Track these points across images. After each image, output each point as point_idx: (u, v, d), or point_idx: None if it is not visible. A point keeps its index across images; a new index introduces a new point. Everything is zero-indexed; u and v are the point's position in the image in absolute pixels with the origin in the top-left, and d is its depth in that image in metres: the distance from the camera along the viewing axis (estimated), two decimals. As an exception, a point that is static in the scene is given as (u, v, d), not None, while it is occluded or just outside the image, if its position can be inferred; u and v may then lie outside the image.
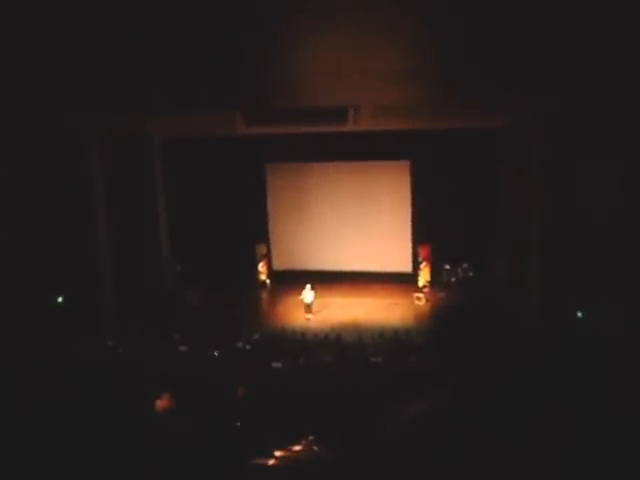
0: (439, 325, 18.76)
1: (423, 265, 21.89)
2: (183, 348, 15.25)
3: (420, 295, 21.18)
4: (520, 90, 15.08)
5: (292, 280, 21.99)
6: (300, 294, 20.16)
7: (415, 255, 22.33)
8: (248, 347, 15.62)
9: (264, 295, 23.06)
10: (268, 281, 23.37)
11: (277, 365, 13.55)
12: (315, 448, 8.18)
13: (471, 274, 21.65)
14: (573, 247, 17.07)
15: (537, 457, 7.18)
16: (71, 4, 11.30)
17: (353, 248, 22.92)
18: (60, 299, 18.85)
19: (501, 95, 15.63)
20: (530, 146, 17.59)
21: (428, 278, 21.84)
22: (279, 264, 23.77)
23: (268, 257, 23.49)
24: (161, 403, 10.27)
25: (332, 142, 19.82)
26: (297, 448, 8.17)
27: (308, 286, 20.14)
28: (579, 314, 16.68)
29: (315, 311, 20.22)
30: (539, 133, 17.14)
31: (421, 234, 22.18)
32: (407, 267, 22.68)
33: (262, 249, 23.23)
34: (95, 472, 7.47)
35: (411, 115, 17.24)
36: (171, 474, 7.49)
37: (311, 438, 8.36)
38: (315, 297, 20.19)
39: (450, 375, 11.47)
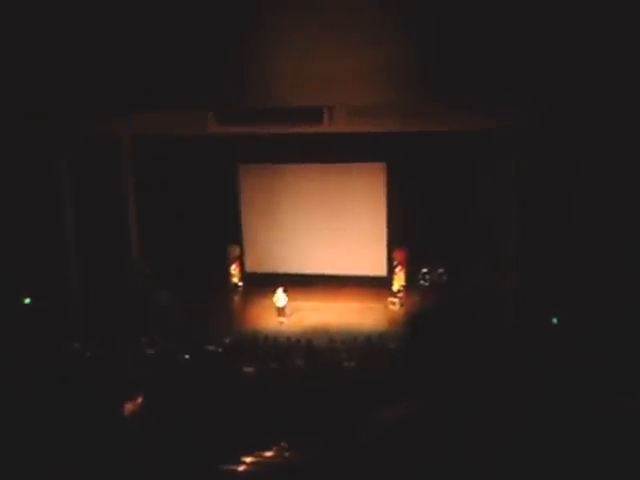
0: (412, 330, 18.57)
1: (398, 269, 21.68)
2: (151, 351, 14.95)
3: (394, 299, 20.99)
4: (502, 94, 15.04)
5: (265, 283, 21.71)
6: (272, 297, 19.88)
7: (390, 259, 22.13)
8: (219, 350, 15.37)
9: (236, 298, 22.73)
10: (240, 283, 23.03)
11: (249, 369, 13.32)
12: (287, 454, 8.04)
13: (446, 278, 21.55)
14: (549, 252, 17.07)
15: (513, 465, 7.03)
16: (38, 5, 11.03)
17: (327, 251, 22.69)
18: (27, 300, 18.46)
19: (479, 99, 15.57)
20: (507, 151, 17.53)
21: (403, 282, 21.63)
22: (251, 266, 23.46)
23: (240, 259, 23.17)
24: (129, 407, 10.03)
25: (306, 143, 19.55)
26: (268, 454, 8.02)
27: (280, 289, 19.89)
28: (554, 320, 16.66)
29: (288, 314, 19.94)
30: (517, 138, 17.07)
31: (396, 237, 21.98)
32: (382, 271, 22.49)
33: (234, 251, 22.91)
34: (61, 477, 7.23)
35: (387, 117, 17.12)
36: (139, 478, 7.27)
37: (283, 444, 8.21)
38: (288, 300, 19.93)
39: (423, 381, 11.35)
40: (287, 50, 13.91)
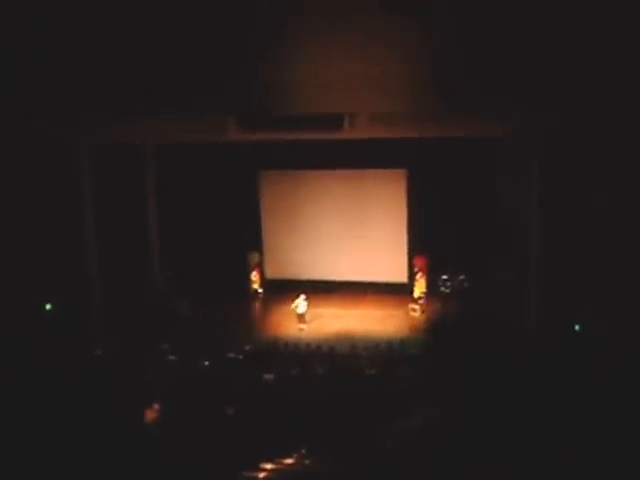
0: (434, 337, 18.49)
1: (419, 276, 21.58)
2: (172, 358, 14.94)
3: (415, 306, 20.89)
4: (518, 102, 14.93)
5: (285, 289, 21.70)
6: (292, 303, 19.86)
7: (411, 265, 22.03)
8: (240, 357, 15.32)
9: (256, 305, 22.71)
10: (260, 290, 23.02)
11: (269, 377, 13.26)
12: (307, 461, 8.02)
13: (467, 285, 21.40)
14: (572, 259, 16.89)
15: (534, 473, 6.96)
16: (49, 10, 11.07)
17: (347, 257, 22.64)
18: (48, 306, 18.54)
19: (499, 106, 15.46)
20: (528, 157, 17.37)
21: (424, 289, 21.54)
22: (272, 273, 23.45)
23: (261, 266, 23.17)
24: (150, 414, 10.06)
25: (327, 150, 19.57)
26: (289, 461, 8.01)
27: (302, 296, 19.84)
28: (577, 327, 16.46)
29: (308, 321, 19.88)
30: (537, 144, 16.93)
31: (417, 244, 21.90)
32: (402, 277, 22.39)
33: (255, 257, 22.91)
34: None
35: (408, 123, 17.01)
36: None
37: (303, 451, 8.18)
38: (308, 307, 19.88)
39: (445, 389, 11.27)
40: (307, 56, 13.89)
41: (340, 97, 15.74)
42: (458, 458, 7.28)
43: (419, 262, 21.59)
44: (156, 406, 10.07)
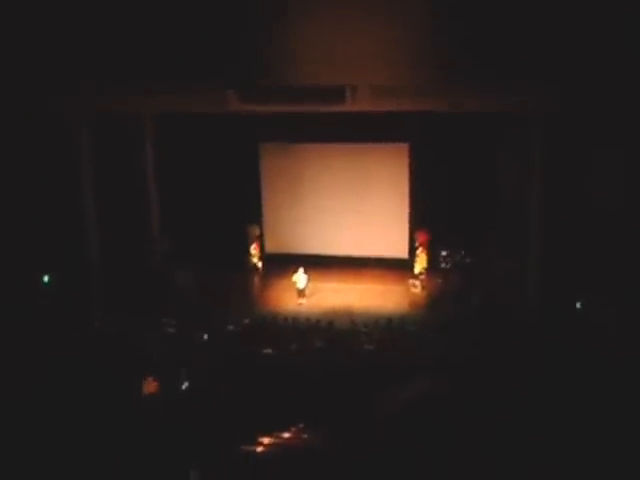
0: (434, 313, 18.46)
1: (420, 251, 21.41)
2: (171, 330, 14.92)
3: (416, 282, 20.76)
4: (522, 76, 14.75)
5: (284, 263, 21.54)
6: (292, 278, 19.77)
7: (412, 241, 21.87)
8: (238, 331, 15.29)
9: (255, 278, 22.57)
10: (260, 264, 22.91)
11: (267, 351, 13.23)
12: (305, 435, 8.03)
13: (468, 261, 21.29)
14: (573, 236, 16.83)
15: (531, 447, 6.94)
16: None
17: (348, 232, 22.47)
18: (46, 278, 18.48)
19: (501, 80, 15.27)
20: (530, 132, 17.21)
21: (425, 264, 21.38)
22: (271, 247, 23.32)
23: (260, 239, 23.04)
24: (148, 387, 10.06)
25: (328, 122, 19.25)
26: (286, 435, 8.02)
27: (301, 270, 19.74)
28: (578, 305, 16.41)
29: (308, 296, 19.81)
30: (539, 119, 16.76)
31: (418, 219, 21.69)
32: (403, 253, 22.23)
33: (254, 231, 22.75)
34: (81, 454, 7.37)
35: (410, 97, 16.82)
36: (157, 459, 7.34)
37: (301, 425, 8.19)
38: (308, 281, 19.79)
39: (443, 364, 11.26)
40: (310, 28, 13.71)
41: (342, 69, 15.56)
42: (456, 431, 7.26)
43: (420, 237, 21.43)
44: (151, 379, 10.07)
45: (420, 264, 21.42)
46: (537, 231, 17.39)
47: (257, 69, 15.65)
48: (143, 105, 18.78)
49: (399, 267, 21.81)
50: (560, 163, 16.69)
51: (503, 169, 19.65)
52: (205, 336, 14.43)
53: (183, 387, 10.55)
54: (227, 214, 22.31)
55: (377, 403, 8.88)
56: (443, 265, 21.63)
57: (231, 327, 15.41)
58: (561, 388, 9.12)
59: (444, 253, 21.57)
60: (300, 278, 19.67)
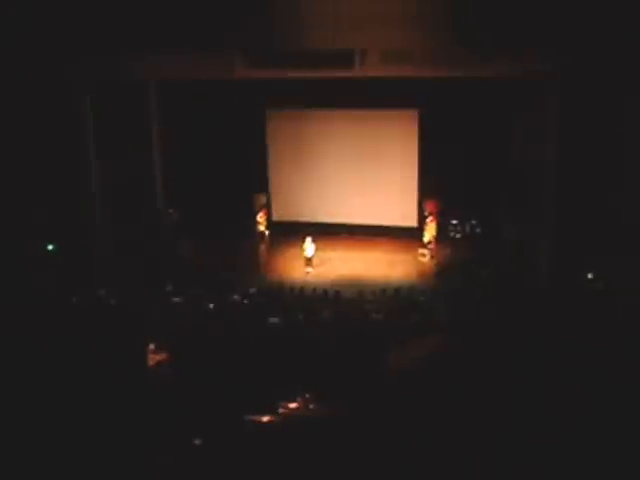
0: (443, 282, 18.31)
1: (429, 220, 21.15)
2: (176, 299, 14.82)
3: (425, 251, 20.56)
4: (530, 41, 14.45)
5: (291, 232, 21.41)
6: (301, 246, 19.60)
7: (421, 209, 21.62)
8: (245, 301, 15.18)
9: (262, 247, 22.43)
10: (267, 232, 22.75)
11: (274, 320, 13.12)
12: (311, 406, 7.95)
13: (479, 230, 21.07)
14: (586, 206, 16.57)
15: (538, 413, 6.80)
16: None
17: (356, 200, 22.21)
18: (50, 247, 18.41)
19: (511, 45, 14.95)
20: (544, 98, 16.85)
21: (434, 233, 21.14)
22: (278, 215, 23.14)
23: (267, 207, 22.86)
24: (155, 356, 10.04)
25: (337, 89, 18.94)
26: (293, 405, 7.93)
27: (309, 239, 19.56)
28: (590, 275, 16.23)
29: (315, 265, 19.65)
30: (554, 85, 16.39)
31: (428, 187, 21.38)
32: (412, 222, 21.99)
33: (261, 199, 22.57)
34: (86, 426, 7.24)
35: (420, 62, 16.54)
36: (164, 429, 7.25)
37: (307, 396, 8.10)
38: (316, 250, 19.63)
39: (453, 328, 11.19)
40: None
41: (350, 33, 15.26)
42: (465, 395, 7.14)
43: (429, 206, 21.18)
44: (154, 347, 10.03)
45: (429, 233, 21.17)
46: (550, 199, 17.13)
47: (263, 33, 15.39)
48: (147, 71, 18.46)
49: (408, 236, 21.60)
50: (576, 129, 16.35)
51: (516, 135, 19.33)
52: (211, 305, 14.33)
53: (188, 358, 10.48)
54: (234, 182, 22.10)
55: (388, 360, 8.80)
56: (453, 234, 21.42)
57: (237, 296, 15.29)
58: (571, 356, 8.98)
59: (454, 222, 21.36)
60: (308, 247, 19.51)
